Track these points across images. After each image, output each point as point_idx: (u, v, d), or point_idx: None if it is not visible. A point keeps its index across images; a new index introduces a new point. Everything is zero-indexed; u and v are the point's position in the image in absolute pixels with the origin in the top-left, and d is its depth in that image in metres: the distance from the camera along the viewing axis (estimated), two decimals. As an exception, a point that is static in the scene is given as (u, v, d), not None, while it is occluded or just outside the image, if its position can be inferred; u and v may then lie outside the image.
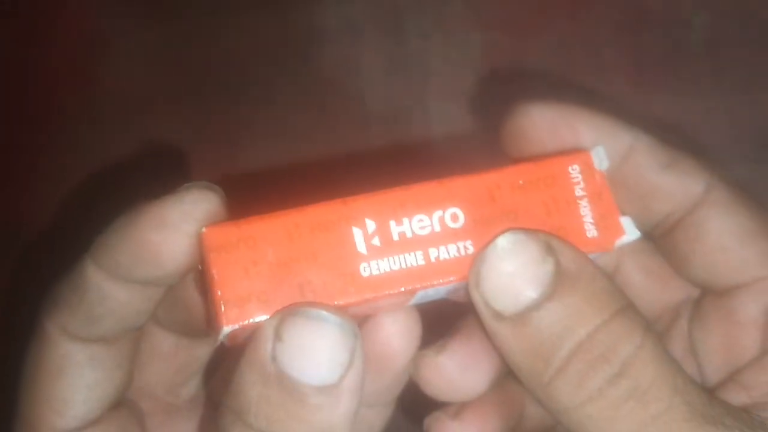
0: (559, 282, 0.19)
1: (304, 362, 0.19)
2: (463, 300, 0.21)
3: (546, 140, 0.22)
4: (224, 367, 0.26)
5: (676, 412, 0.18)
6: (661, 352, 0.19)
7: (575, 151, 0.21)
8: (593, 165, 0.21)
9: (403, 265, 0.20)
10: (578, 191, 0.20)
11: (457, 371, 0.23)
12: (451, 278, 0.20)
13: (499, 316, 0.19)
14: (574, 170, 0.20)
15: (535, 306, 0.19)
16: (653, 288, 0.24)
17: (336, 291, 0.19)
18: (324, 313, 0.19)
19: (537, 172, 0.20)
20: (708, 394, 0.19)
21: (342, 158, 0.39)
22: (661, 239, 0.23)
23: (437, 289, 0.20)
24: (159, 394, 0.25)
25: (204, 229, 0.19)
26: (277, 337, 0.19)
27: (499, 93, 0.39)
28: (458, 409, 0.24)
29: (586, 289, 0.19)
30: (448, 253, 0.20)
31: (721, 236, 0.22)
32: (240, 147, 0.40)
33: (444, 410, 0.24)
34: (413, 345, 0.23)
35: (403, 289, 0.20)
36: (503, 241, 0.20)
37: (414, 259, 0.20)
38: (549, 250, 0.19)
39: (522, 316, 0.19)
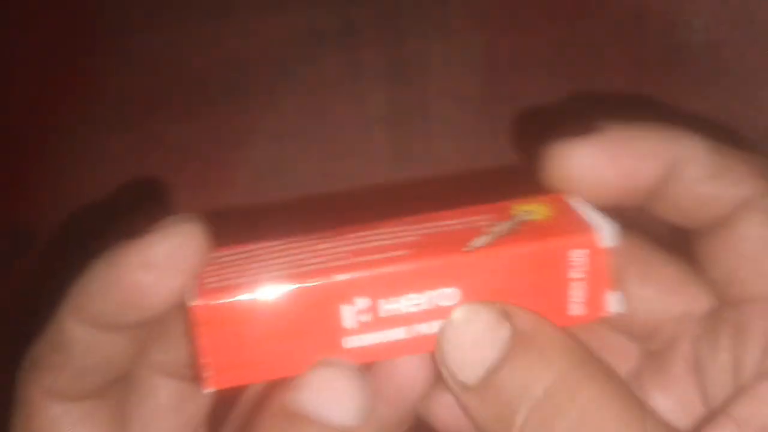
0: (514, 344, 0.19)
1: (326, 404, 0.19)
2: None
3: (590, 176, 0.21)
4: (234, 418, 0.25)
5: None
6: (625, 395, 0.19)
7: (581, 231, 0.20)
8: (598, 245, 0.20)
9: (385, 339, 0.20)
10: (573, 274, 0.20)
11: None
12: (429, 351, 0.20)
13: (464, 386, 0.20)
14: (575, 254, 0.20)
15: (494, 370, 0.19)
16: (656, 298, 0.23)
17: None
18: (342, 361, 0.20)
19: (537, 257, 0.20)
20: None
21: (343, 159, 0.39)
22: (692, 238, 0.23)
23: None
24: None
25: (193, 303, 0.19)
26: (296, 385, 0.20)
27: (500, 93, 0.39)
28: None
29: (542, 347, 0.19)
30: (431, 329, 0.20)
31: (752, 246, 0.21)
32: (242, 148, 0.40)
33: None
34: (425, 382, 0.22)
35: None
36: (458, 314, 0.20)
37: (397, 333, 0.20)
38: (504, 315, 0.20)
39: (484, 383, 0.19)
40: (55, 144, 0.40)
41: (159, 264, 0.19)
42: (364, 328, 0.20)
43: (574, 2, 0.39)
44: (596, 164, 0.21)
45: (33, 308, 0.22)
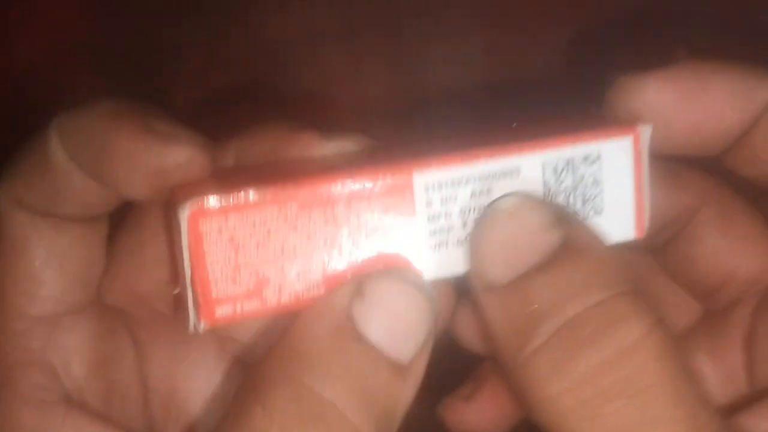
0: (562, 252, 0.16)
1: (383, 324, 0.16)
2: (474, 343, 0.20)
3: (662, 116, 0.18)
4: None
5: (678, 428, 0.15)
6: (672, 352, 0.16)
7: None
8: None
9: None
10: None
11: (483, 419, 0.21)
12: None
13: (489, 285, 0.17)
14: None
15: (528, 275, 0.16)
16: (729, 251, 0.20)
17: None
18: (417, 278, 0.17)
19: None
20: (721, 421, 0.16)
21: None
22: None
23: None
24: (162, 308, 0.22)
25: (188, 212, 0.17)
26: (358, 291, 0.16)
27: (500, 93, 0.39)
28: (471, 391, 0.22)
29: (591, 264, 0.16)
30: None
31: None
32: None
33: (457, 394, 0.22)
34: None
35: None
36: (506, 203, 0.17)
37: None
38: (559, 221, 0.17)
39: (512, 286, 0.16)
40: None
41: (142, 167, 0.18)
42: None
43: (574, 2, 0.39)
44: (671, 103, 0.18)
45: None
